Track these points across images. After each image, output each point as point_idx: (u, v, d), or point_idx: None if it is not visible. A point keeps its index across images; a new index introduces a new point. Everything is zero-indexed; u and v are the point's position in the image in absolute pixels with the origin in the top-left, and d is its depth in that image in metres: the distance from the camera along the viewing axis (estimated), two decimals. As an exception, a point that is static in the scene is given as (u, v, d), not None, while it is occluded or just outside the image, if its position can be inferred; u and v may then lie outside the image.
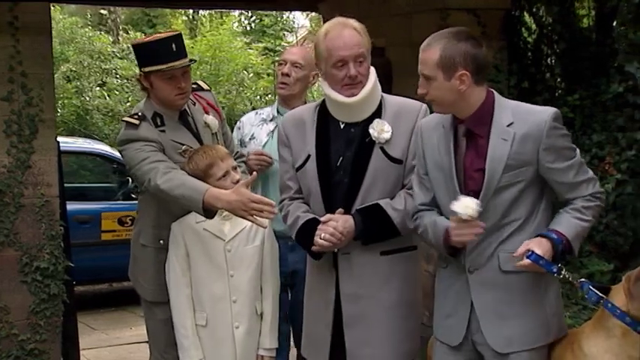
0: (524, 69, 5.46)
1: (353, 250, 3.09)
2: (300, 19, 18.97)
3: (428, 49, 2.76)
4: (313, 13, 15.62)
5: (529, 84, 5.36)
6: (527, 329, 2.78)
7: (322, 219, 3.06)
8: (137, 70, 3.70)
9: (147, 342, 6.16)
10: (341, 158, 3.12)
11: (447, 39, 2.74)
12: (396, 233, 3.07)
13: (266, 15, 16.52)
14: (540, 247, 2.66)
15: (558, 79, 5.60)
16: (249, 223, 3.41)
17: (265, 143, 4.08)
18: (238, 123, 4.28)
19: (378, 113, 3.12)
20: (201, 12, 16.66)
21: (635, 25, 4.94)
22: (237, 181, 3.39)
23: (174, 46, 3.46)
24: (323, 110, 3.19)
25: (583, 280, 2.83)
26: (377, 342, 3.09)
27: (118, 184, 7.91)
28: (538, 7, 5.62)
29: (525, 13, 5.64)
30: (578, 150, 2.82)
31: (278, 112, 4.11)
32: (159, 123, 3.52)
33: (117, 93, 13.31)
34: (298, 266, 3.85)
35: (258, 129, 4.13)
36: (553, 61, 5.62)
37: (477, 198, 2.73)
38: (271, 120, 4.12)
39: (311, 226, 3.10)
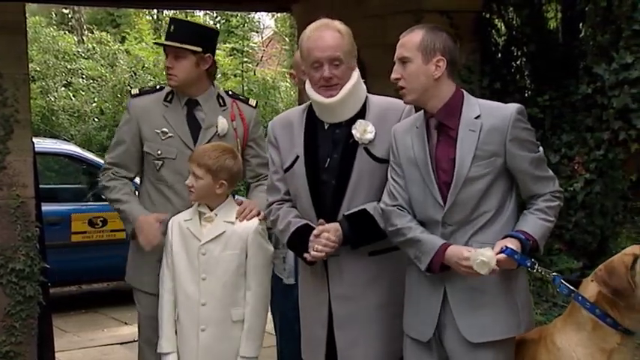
0: (496, 70, 5.54)
1: (341, 252, 3.09)
2: (266, 19, 19.00)
3: (410, 33, 2.91)
4: (279, 14, 15.66)
5: (501, 85, 5.44)
6: (500, 318, 2.85)
7: (315, 232, 3.05)
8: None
9: (121, 343, 6.25)
10: (329, 160, 3.13)
11: (428, 28, 2.92)
12: (383, 236, 3.08)
13: (232, 15, 16.45)
14: (512, 244, 2.77)
15: (528, 81, 5.70)
16: (230, 228, 3.45)
17: None
18: None
19: (362, 114, 3.14)
20: (165, 12, 16.55)
21: (603, 28, 5.06)
22: (191, 187, 3.44)
23: (172, 27, 3.77)
24: (311, 112, 3.21)
25: (555, 273, 2.93)
26: (367, 342, 3.10)
27: (88, 185, 7.83)
28: (507, 10, 5.71)
29: (494, 16, 5.74)
30: (541, 148, 2.95)
31: None
32: (168, 99, 3.78)
33: (83, 93, 13.10)
34: None
35: None
36: (523, 62, 5.72)
37: (448, 190, 2.83)
38: None
39: (303, 232, 3.10)
